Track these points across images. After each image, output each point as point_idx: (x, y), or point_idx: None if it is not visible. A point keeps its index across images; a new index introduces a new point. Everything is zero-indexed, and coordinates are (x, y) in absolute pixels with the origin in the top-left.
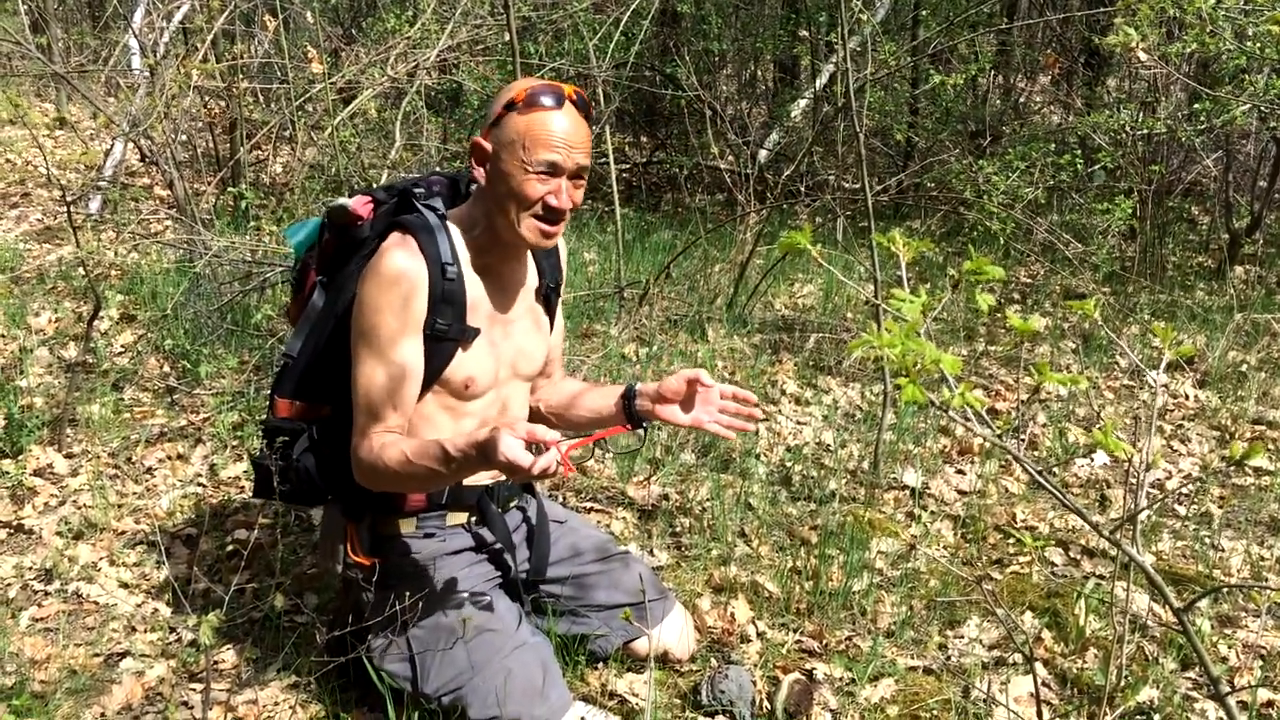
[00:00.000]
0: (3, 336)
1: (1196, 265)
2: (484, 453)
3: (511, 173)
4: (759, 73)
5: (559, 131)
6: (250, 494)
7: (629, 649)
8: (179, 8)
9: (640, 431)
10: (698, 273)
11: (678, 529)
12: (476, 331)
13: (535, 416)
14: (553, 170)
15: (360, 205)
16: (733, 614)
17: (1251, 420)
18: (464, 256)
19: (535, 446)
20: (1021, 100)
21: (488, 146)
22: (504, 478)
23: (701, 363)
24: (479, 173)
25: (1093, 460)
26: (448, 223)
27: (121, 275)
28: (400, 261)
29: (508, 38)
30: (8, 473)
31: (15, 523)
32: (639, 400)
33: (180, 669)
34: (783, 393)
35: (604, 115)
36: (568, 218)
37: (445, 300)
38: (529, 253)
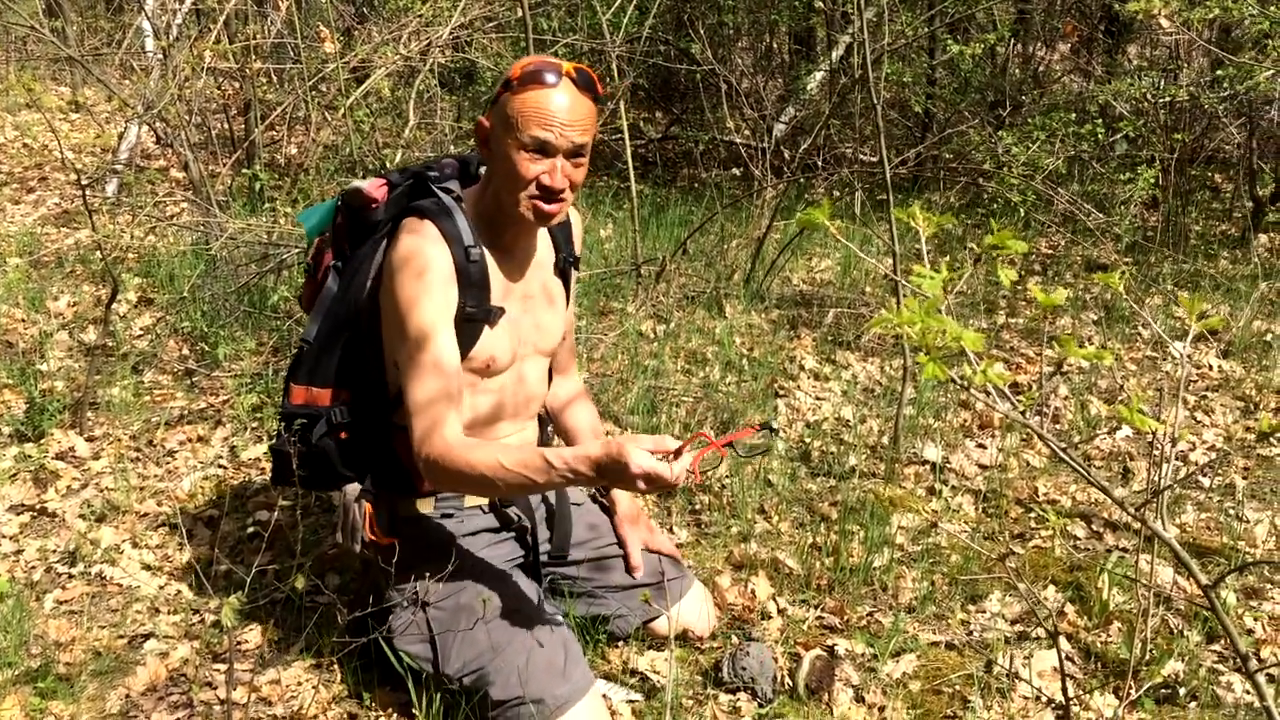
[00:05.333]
0: (23, 321)
1: (1220, 234)
2: (600, 469)
3: (507, 152)
4: (774, 45)
5: (553, 110)
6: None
7: (649, 628)
8: None
9: (769, 432)
10: (715, 248)
11: (697, 506)
12: (502, 311)
13: None
14: (545, 149)
15: (374, 188)
16: (753, 591)
17: (1276, 390)
18: (480, 237)
19: (666, 457)
20: (1041, 69)
21: (488, 125)
22: None
23: (719, 339)
24: (484, 152)
25: (1115, 433)
26: (462, 204)
27: (139, 258)
28: (428, 252)
29: (520, 14)
30: (30, 456)
31: (38, 506)
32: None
33: (204, 650)
34: (801, 368)
35: (619, 91)
36: (569, 196)
37: (471, 282)
38: (542, 228)
